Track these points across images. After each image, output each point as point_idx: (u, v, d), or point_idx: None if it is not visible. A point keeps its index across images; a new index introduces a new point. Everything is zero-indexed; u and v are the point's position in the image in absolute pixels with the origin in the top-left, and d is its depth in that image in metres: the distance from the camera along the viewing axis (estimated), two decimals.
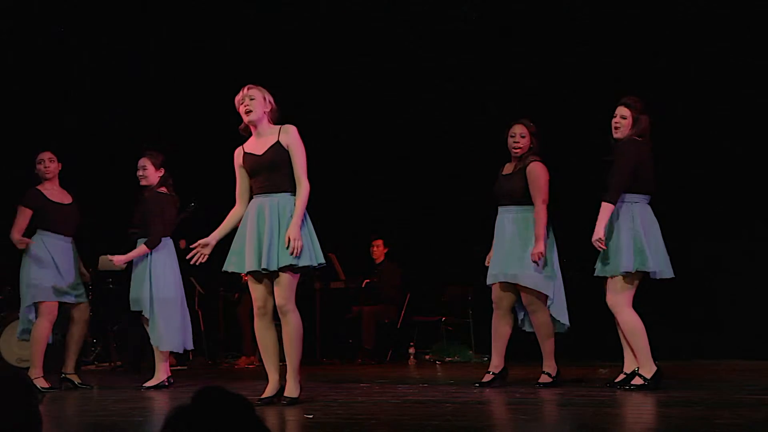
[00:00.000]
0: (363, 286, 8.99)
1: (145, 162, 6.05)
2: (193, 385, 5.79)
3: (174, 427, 1.67)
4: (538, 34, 8.39)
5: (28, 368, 6.01)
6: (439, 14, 8.80)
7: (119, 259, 6.00)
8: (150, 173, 6.04)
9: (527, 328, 5.64)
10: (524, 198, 5.45)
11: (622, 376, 5.17)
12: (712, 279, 7.57)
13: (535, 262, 5.32)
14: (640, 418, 4.06)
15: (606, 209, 4.93)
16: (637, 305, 5.11)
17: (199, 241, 4.71)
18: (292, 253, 4.46)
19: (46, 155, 6.14)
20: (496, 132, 8.60)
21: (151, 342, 6.00)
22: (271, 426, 3.67)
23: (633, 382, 4.97)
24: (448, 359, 8.53)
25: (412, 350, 8.78)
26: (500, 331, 5.55)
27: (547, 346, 5.45)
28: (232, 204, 4.78)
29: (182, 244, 8.53)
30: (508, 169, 5.63)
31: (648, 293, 5.24)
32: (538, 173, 5.42)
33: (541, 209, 5.37)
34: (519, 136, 5.51)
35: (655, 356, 5.01)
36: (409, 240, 9.08)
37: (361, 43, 9.07)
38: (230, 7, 9.09)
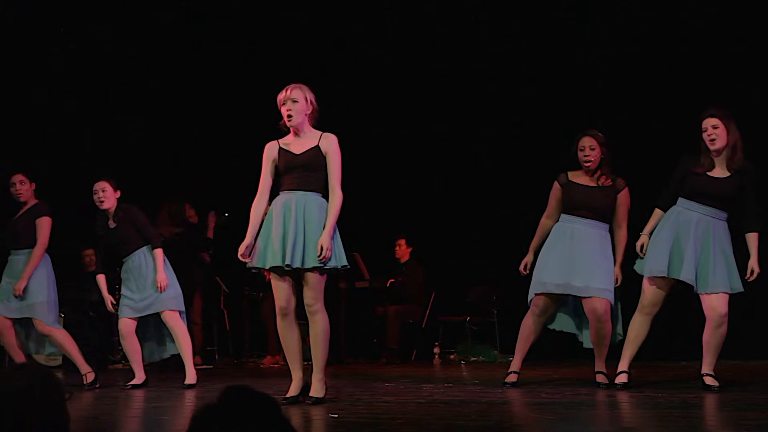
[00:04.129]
0: (387, 285, 9.01)
1: (104, 185, 6.07)
2: (219, 385, 5.81)
3: (201, 426, 1.68)
4: (566, 41, 8.36)
5: (56, 367, 6.09)
6: (469, 18, 8.79)
7: (162, 278, 6.02)
8: (109, 195, 6.08)
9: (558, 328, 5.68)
10: (608, 216, 5.46)
11: (624, 377, 5.21)
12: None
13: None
14: (667, 418, 4.03)
15: (757, 238, 5.05)
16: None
17: (241, 252, 4.66)
18: (321, 261, 4.49)
19: (17, 178, 6.10)
20: (518, 131, 8.63)
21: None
22: (297, 425, 3.68)
23: (710, 383, 4.98)
24: (472, 359, 8.53)
25: (436, 350, 8.79)
26: (533, 336, 5.56)
27: (605, 352, 5.47)
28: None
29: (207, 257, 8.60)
30: (584, 180, 5.51)
31: (676, 293, 5.25)
32: (628, 198, 5.48)
33: (626, 233, 5.44)
34: (588, 149, 5.45)
35: (685, 358, 5.01)
36: (434, 240, 9.07)
37: (390, 42, 9.08)
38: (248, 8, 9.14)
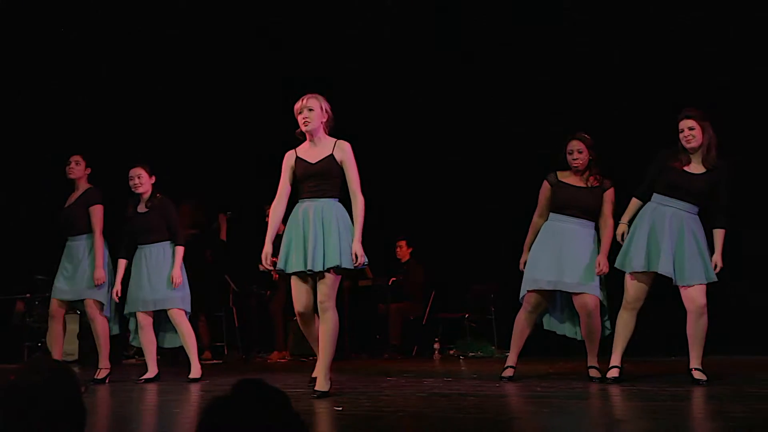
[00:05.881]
0: (389, 284, 9.13)
1: (139, 171, 6.26)
2: (228, 379, 5.97)
3: (212, 418, 1.73)
4: (563, 46, 8.47)
5: (72, 362, 6.27)
6: (467, 20, 8.89)
7: (177, 275, 6.20)
8: (145, 180, 6.27)
9: (551, 327, 5.85)
10: (595, 215, 5.59)
11: (616, 372, 5.36)
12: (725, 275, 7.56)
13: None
14: (657, 411, 4.10)
15: (723, 235, 5.19)
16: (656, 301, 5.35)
17: (269, 260, 4.90)
18: (357, 266, 4.72)
19: (73, 158, 6.36)
20: (516, 132, 8.70)
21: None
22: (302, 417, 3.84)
23: (698, 377, 5.13)
24: (471, 354, 8.62)
25: (436, 346, 8.90)
26: (527, 331, 5.71)
27: (596, 346, 5.62)
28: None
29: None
30: (573, 180, 5.64)
31: (662, 288, 5.40)
32: (613, 195, 5.61)
33: (612, 228, 5.54)
34: (576, 152, 5.59)
35: (675, 353, 5.12)
36: (434, 240, 9.17)
37: (390, 43, 9.15)
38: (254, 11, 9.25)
